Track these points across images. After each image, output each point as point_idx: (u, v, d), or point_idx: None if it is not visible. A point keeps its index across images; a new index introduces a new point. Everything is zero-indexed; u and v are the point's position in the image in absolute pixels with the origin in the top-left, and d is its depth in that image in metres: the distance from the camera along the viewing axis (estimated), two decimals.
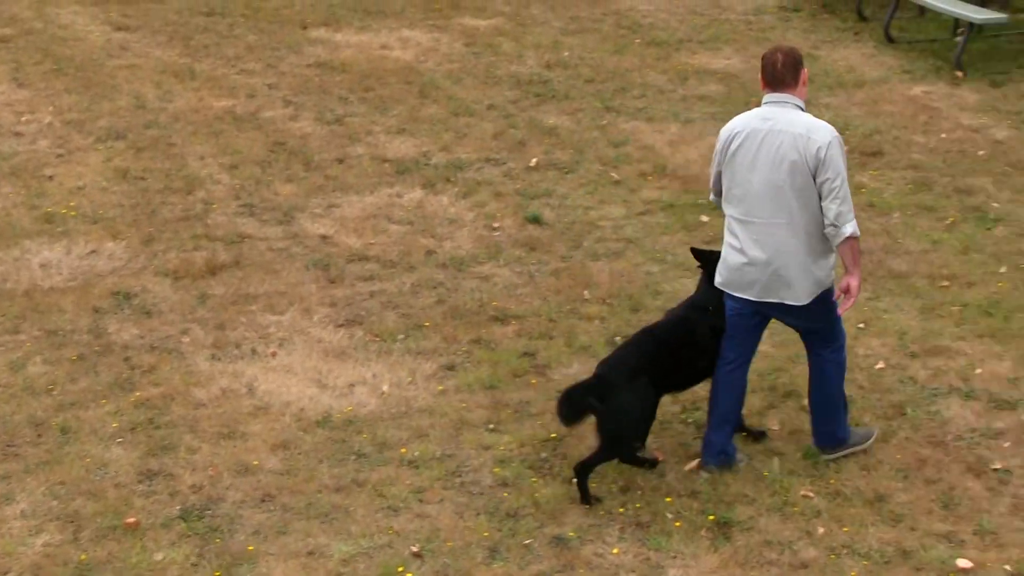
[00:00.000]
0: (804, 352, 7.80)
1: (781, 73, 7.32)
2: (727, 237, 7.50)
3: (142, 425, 7.96)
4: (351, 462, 7.69)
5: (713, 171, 7.55)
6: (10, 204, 10.62)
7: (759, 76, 7.44)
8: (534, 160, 11.67)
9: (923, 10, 15.23)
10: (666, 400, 7.73)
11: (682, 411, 8.14)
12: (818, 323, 7.54)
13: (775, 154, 7.22)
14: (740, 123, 7.39)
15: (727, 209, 7.48)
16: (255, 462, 7.64)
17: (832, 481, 7.52)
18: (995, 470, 7.64)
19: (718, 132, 7.49)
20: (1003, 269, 9.85)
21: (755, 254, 7.35)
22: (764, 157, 7.24)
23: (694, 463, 7.65)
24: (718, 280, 7.57)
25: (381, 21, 15.18)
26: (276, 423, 8.03)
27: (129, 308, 9.25)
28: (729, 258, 7.48)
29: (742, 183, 7.33)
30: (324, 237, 10.33)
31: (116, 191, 10.91)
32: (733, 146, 7.34)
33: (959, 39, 14.15)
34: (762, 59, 7.41)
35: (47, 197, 10.75)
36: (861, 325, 9.10)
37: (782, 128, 7.23)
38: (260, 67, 13.70)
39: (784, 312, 7.48)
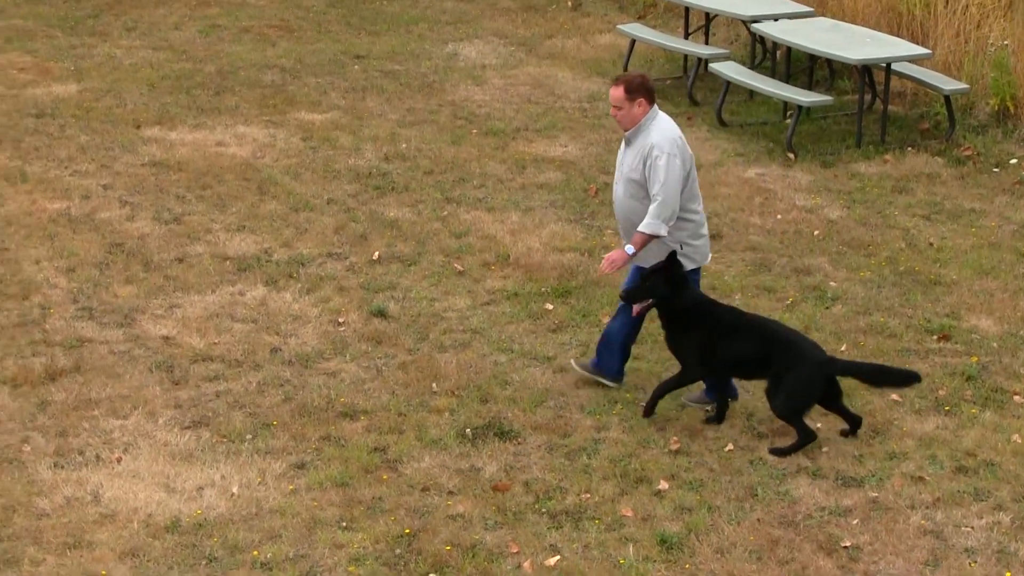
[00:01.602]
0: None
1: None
2: (698, 229, 9.11)
3: None
4: (202, 567, 7.56)
5: (682, 188, 8.88)
6: None
7: (645, 97, 8.90)
8: (376, 253, 11.66)
9: (753, 94, 15.59)
10: None
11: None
12: None
13: None
14: (681, 135, 9.01)
15: (693, 206, 9.05)
16: (103, 572, 7.48)
17: (687, 566, 7.57)
18: (845, 547, 7.77)
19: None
20: (843, 347, 10.05)
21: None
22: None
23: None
24: (695, 264, 9.10)
25: (215, 118, 15.10)
26: (124, 530, 7.86)
27: None
28: (702, 244, 9.14)
29: (694, 179, 9.06)
30: (166, 338, 10.19)
31: None
32: (689, 152, 9.02)
33: (789, 121, 14.51)
34: (646, 81, 8.99)
35: None
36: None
37: None
38: (94, 168, 13.53)
39: None
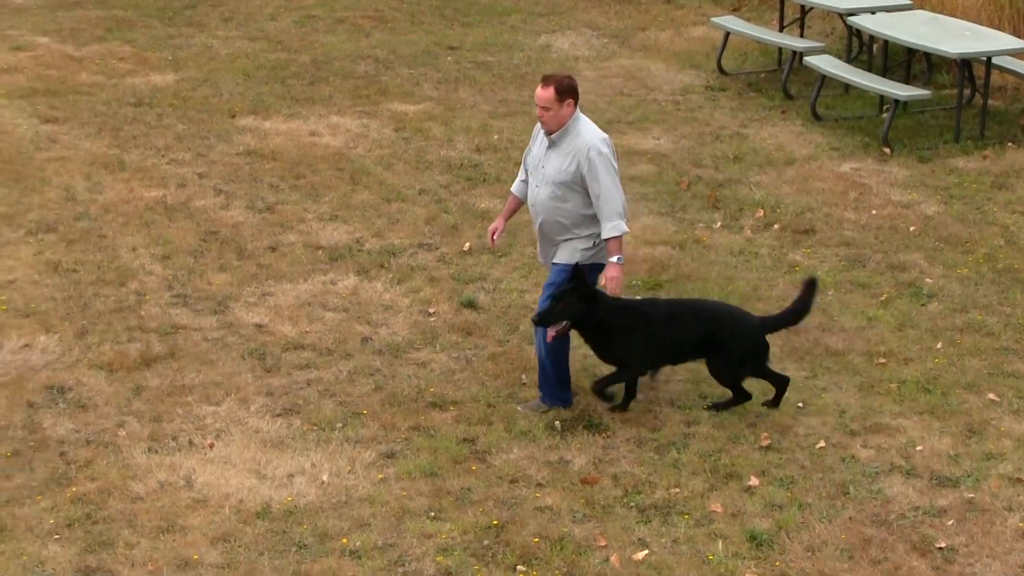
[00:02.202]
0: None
1: None
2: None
3: (79, 521, 7.83)
4: (292, 554, 7.61)
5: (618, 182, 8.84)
6: None
7: (572, 98, 8.74)
8: (467, 244, 11.68)
9: (848, 88, 15.44)
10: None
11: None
12: None
13: None
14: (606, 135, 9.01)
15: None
16: (195, 556, 7.54)
17: (777, 563, 7.52)
18: (940, 548, 7.66)
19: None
20: (939, 345, 9.93)
21: None
22: None
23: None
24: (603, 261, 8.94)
25: (309, 108, 15.19)
26: (216, 515, 7.93)
27: (64, 402, 9.13)
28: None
29: None
30: (259, 326, 10.27)
31: (48, 284, 10.80)
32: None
33: (885, 115, 14.34)
34: (573, 82, 8.81)
35: None
36: (800, 404, 9.13)
37: None
38: (190, 156, 13.66)
39: None
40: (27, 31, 18.22)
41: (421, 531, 7.82)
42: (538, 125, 9.03)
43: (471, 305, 10.59)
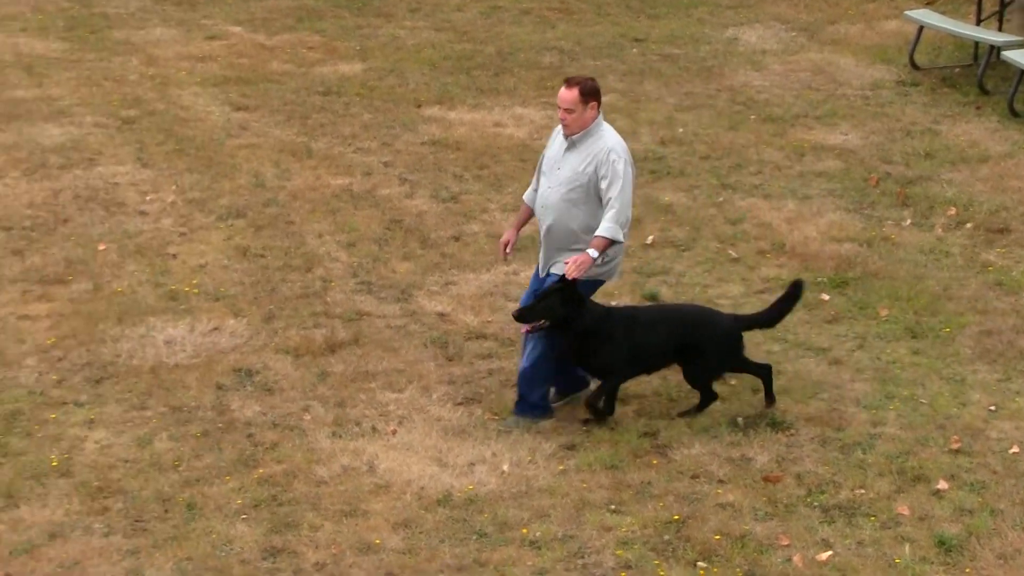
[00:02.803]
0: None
1: None
2: (620, 248, 8.76)
3: (265, 502, 7.97)
4: (472, 542, 7.64)
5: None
6: (136, 282, 10.74)
7: (596, 101, 8.64)
8: (650, 238, 11.62)
9: None
10: None
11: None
12: None
13: None
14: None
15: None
16: (376, 540, 7.62)
17: (967, 570, 7.34)
18: None
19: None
20: None
21: None
22: None
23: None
24: (602, 280, 8.90)
25: (494, 99, 15.25)
26: (397, 501, 8.00)
27: (251, 385, 9.30)
28: (617, 263, 8.88)
29: None
30: (441, 315, 10.34)
31: (237, 269, 11.01)
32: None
33: None
34: (597, 84, 8.71)
35: (171, 275, 10.87)
36: (992, 408, 8.91)
37: None
38: (376, 145, 13.81)
39: None
40: (221, 20, 18.60)
41: (601, 523, 7.80)
42: (556, 128, 8.93)
43: (653, 298, 10.53)
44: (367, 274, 10.98)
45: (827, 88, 15.65)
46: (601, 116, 8.76)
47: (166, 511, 7.88)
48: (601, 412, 8.87)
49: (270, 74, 16.18)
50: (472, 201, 12.41)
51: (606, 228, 8.55)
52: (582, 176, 8.66)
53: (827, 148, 13.70)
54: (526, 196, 9.20)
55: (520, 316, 8.73)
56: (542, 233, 8.92)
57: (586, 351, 8.78)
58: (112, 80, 15.84)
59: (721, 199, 12.45)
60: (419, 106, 15.00)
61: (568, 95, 8.63)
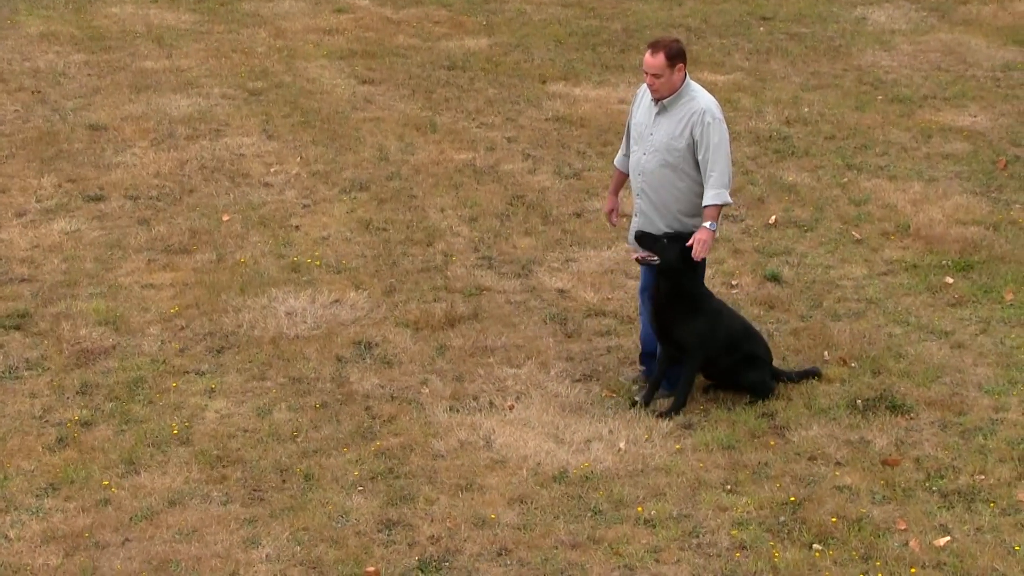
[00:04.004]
0: None
1: None
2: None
3: (382, 474, 8.05)
4: (587, 519, 7.66)
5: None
6: (259, 253, 10.89)
7: (683, 63, 8.45)
8: (773, 217, 11.54)
9: None
10: None
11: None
12: None
13: None
14: None
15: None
16: (492, 515, 7.66)
17: None
18: None
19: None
20: None
21: None
22: None
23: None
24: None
25: (619, 75, 15.22)
26: (513, 477, 8.04)
27: (370, 358, 9.38)
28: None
29: None
30: (561, 291, 10.36)
31: (359, 242, 11.11)
32: None
33: None
34: (682, 46, 8.51)
35: (293, 247, 11.00)
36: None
37: None
38: (499, 120, 13.85)
39: None
40: None
41: (716, 503, 7.78)
42: (640, 90, 8.79)
43: (775, 279, 10.47)
44: (488, 249, 11.03)
45: (957, 69, 15.42)
46: (689, 77, 8.66)
47: (284, 481, 7.99)
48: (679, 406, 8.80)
49: (396, 48, 16.29)
50: (595, 178, 12.40)
51: (712, 195, 8.46)
52: (679, 140, 8.55)
53: (955, 130, 13.50)
54: (617, 161, 9.12)
55: (640, 238, 8.70)
56: (635, 202, 8.83)
57: (675, 317, 8.69)
58: (240, 52, 16.04)
59: (846, 180, 12.32)
60: (544, 82, 15.01)
61: (654, 60, 8.49)
